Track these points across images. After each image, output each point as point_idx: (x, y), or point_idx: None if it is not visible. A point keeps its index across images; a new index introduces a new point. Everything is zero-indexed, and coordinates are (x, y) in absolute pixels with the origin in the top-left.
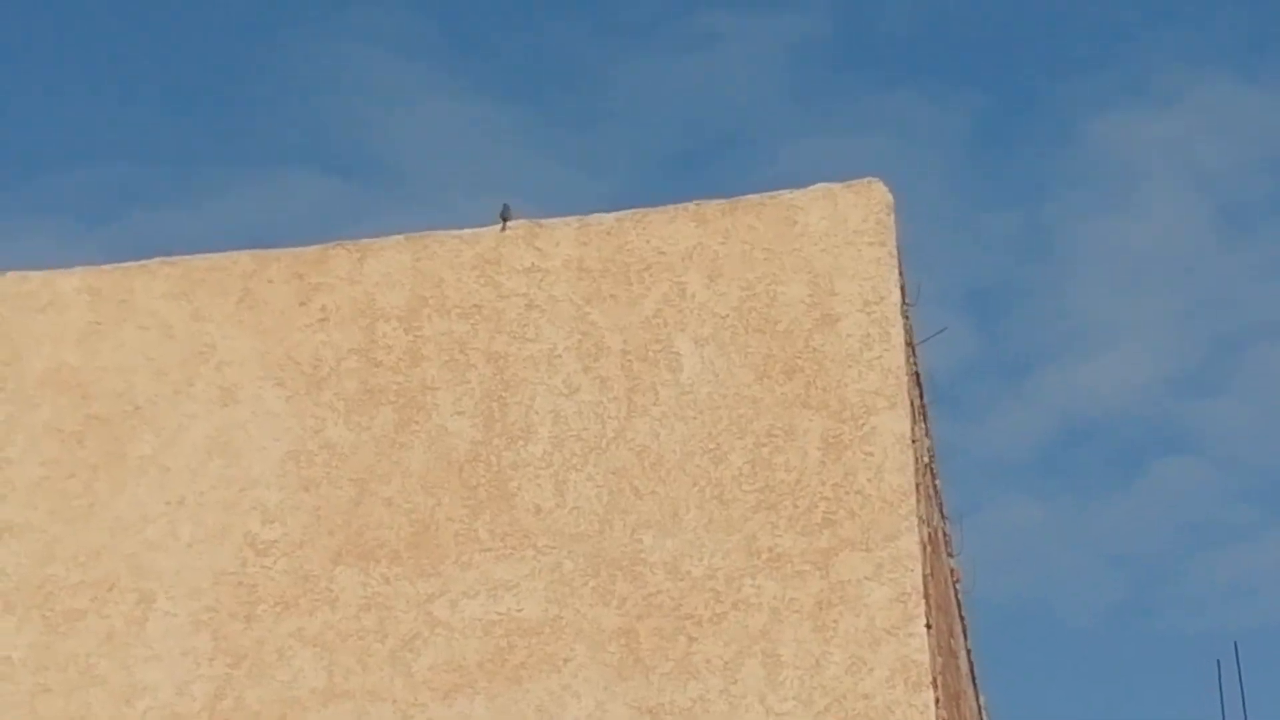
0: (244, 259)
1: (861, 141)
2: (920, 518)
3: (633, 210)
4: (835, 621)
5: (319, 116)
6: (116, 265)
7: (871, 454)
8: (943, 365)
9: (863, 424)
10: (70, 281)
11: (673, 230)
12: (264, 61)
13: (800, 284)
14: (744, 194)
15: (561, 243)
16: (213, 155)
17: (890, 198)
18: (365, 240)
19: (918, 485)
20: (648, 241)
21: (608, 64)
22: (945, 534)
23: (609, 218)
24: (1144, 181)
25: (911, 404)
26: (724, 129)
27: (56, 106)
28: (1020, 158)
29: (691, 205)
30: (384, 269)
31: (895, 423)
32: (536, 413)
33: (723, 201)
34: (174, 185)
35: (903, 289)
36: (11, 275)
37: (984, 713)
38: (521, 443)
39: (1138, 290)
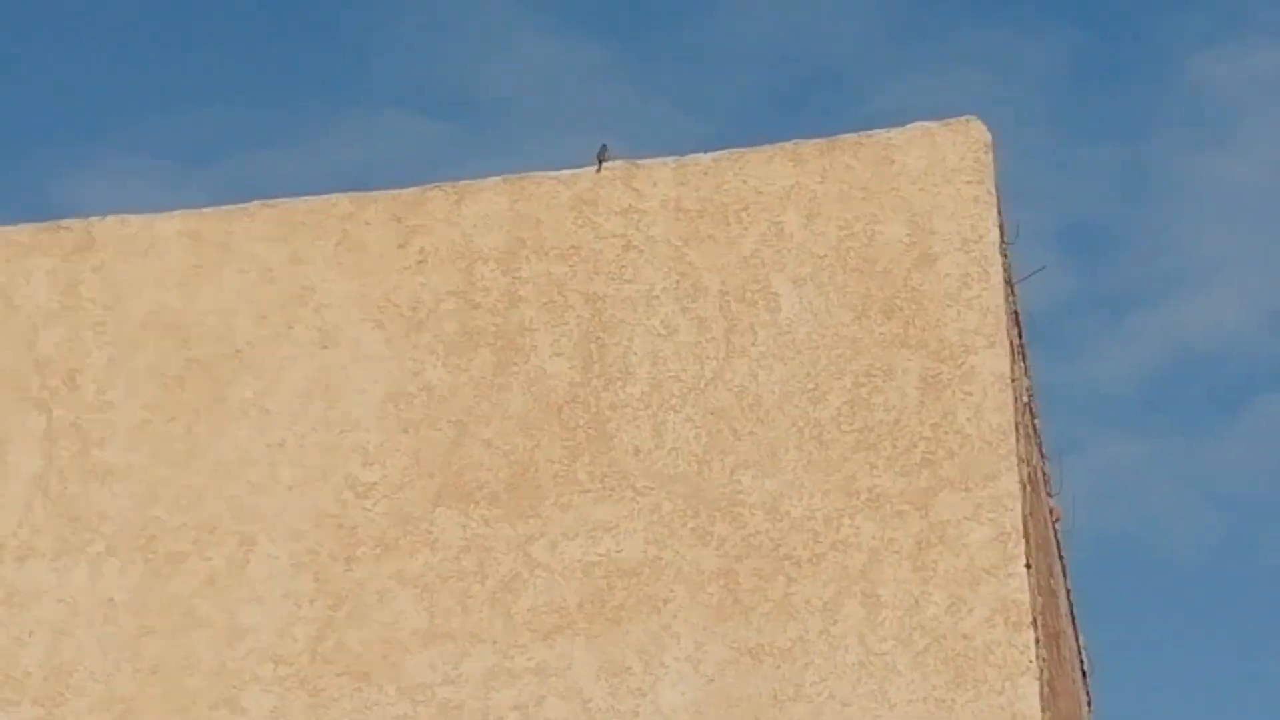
0: (342, 201)
1: (959, 77)
2: (1020, 457)
3: (730, 150)
4: (934, 562)
5: (415, 56)
6: (216, 208)
7: (970, 393)
8: (1042, 303)
9: (961, 363)
10: (170, 225)
11: (770, 170)
12: (359, 2)
13: (898, 223)
14: (841, 133)
15: (659, 183)
16: (311, 96)
17: (988, 136)
18: (463, 182)
19: (1017, 424)
20: (745, 181)
21: (702, 1)
22: (1045, 473)
23: (706, 158)
24: (1246, 116)
25: (1010, 343)
26: (821, 66)
27: (155, 49)
28: (1120, 93)
29: (789, 145)
30: (481, 211)
31: (994, 362)
32: (634, 354)
33: (820, 141)
34: (274, 127)
35: (1001, 227)
36: (111, 219)
37: (1084, 652)
38: (620, 384)
39: (1240, 226)
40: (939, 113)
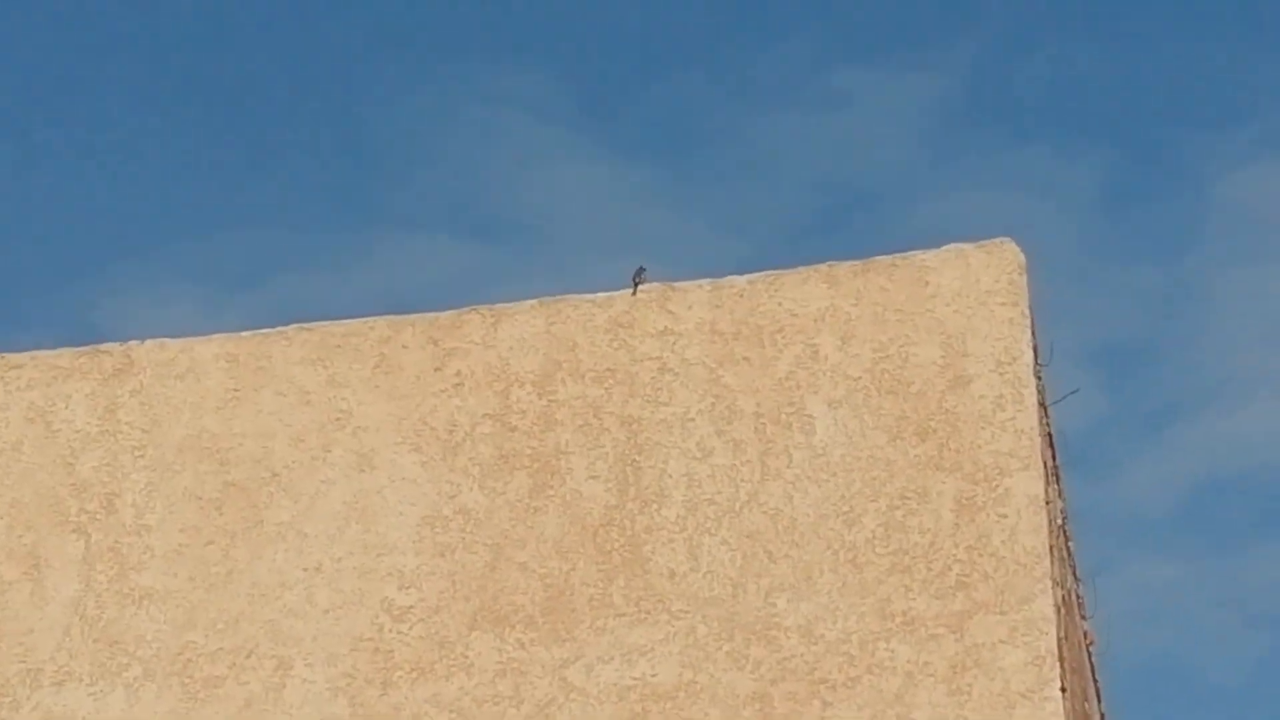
0: (380, 325)
1: (994, 197)
2: (1054, 580)
3: (765, 272)
4: (970, 685)
5: (455, 179)
6: (254, 332)
7: (1005, 516)
8: (1077, 423)
9: (996, 486)
10: (209, 348)
11: (805, 292)
12: (401, 125)
13: (933, 345)
14: (877, 253)
15: (694, 305)
16: (352, 219)
17: (1022, 258)
18: (499, 305)
19: (1051, 547)
20: (780, 304)
21: (741, 123)
22: (1079, 595)
23: (741, 280)
24: None
25: (1045, 465)
26: (857, 187)
27: (198, 173)
28: (1155, 211)
29: (824, 267)
30: (518, 333)
31: (1029, 484)
32: (670, 476)
33: (855, 263)
34: (314, 250)
35: (1035, 349)
36: (151, 343)
37: None
38: (655, 506)
39: (1275, 342)
40: (974, 233)
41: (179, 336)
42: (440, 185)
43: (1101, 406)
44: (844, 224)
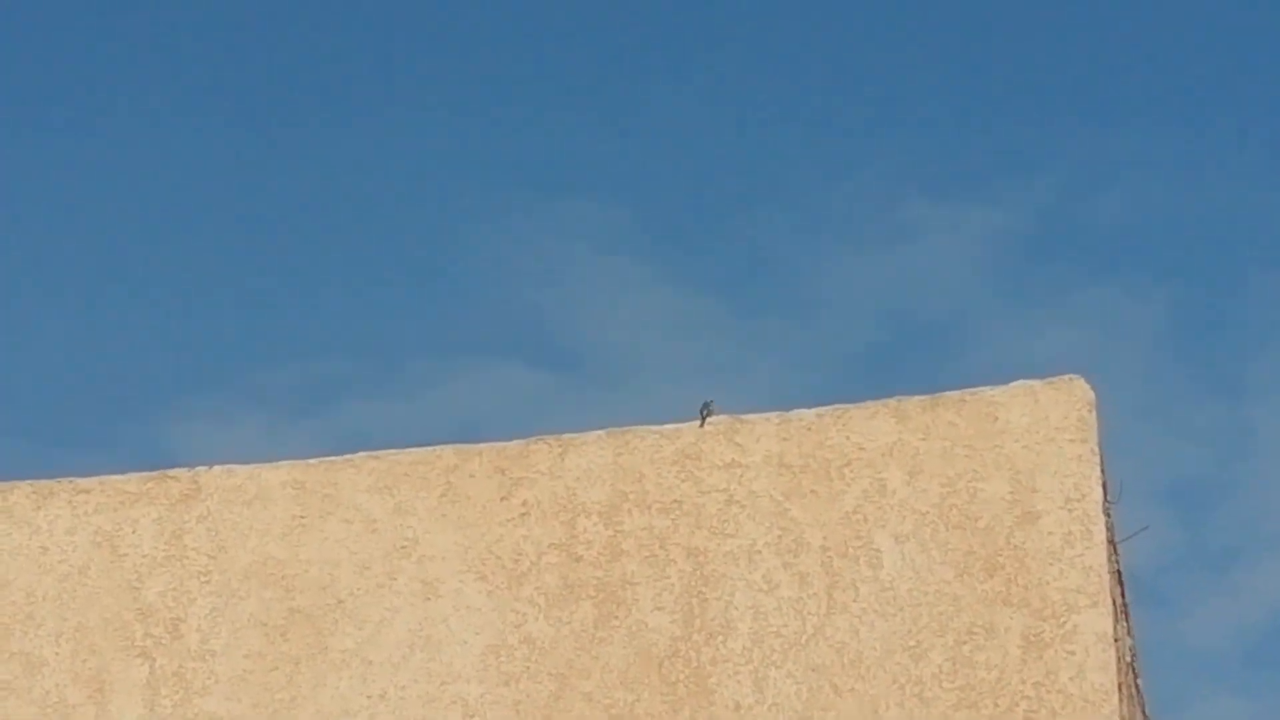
0: (447, 453)
1: (1063, 334)
2: (1123, 717)
3: (833, 406)
4: None
5: (525, 308)
6: (321, 459)
7: (1073, 653)
8: (1146, 559)
9: (1064, 622)
10: (276, 475)
11: (873, 426)
12: (474, 254)
13: (1001, 481)
14: (944, 388)
15: (762, 438)
16: (419, 348)
17: (1091, 395)
18: (566, 435)
19: (1120, 684)
20: (848, 437)
21: (811, 256)
22: None
23: (809, 413)
24: None
25: (1114, 602)
26: (924, 321)
27: (267, 301)
28: (1222, 349)
29: (892, 401)
30: (585, 464)
31: (1097, 621)
32: (736, 608)
33: (923, 398)
34: (381, 377)
35: (1104, 486)
36: (218, 469)
37: None
38: (721, 639)
39: None
40: (1043, 370)
41: (246, 463)
42: (512, 314)
43: (1171, 543)
44: (911, 359)
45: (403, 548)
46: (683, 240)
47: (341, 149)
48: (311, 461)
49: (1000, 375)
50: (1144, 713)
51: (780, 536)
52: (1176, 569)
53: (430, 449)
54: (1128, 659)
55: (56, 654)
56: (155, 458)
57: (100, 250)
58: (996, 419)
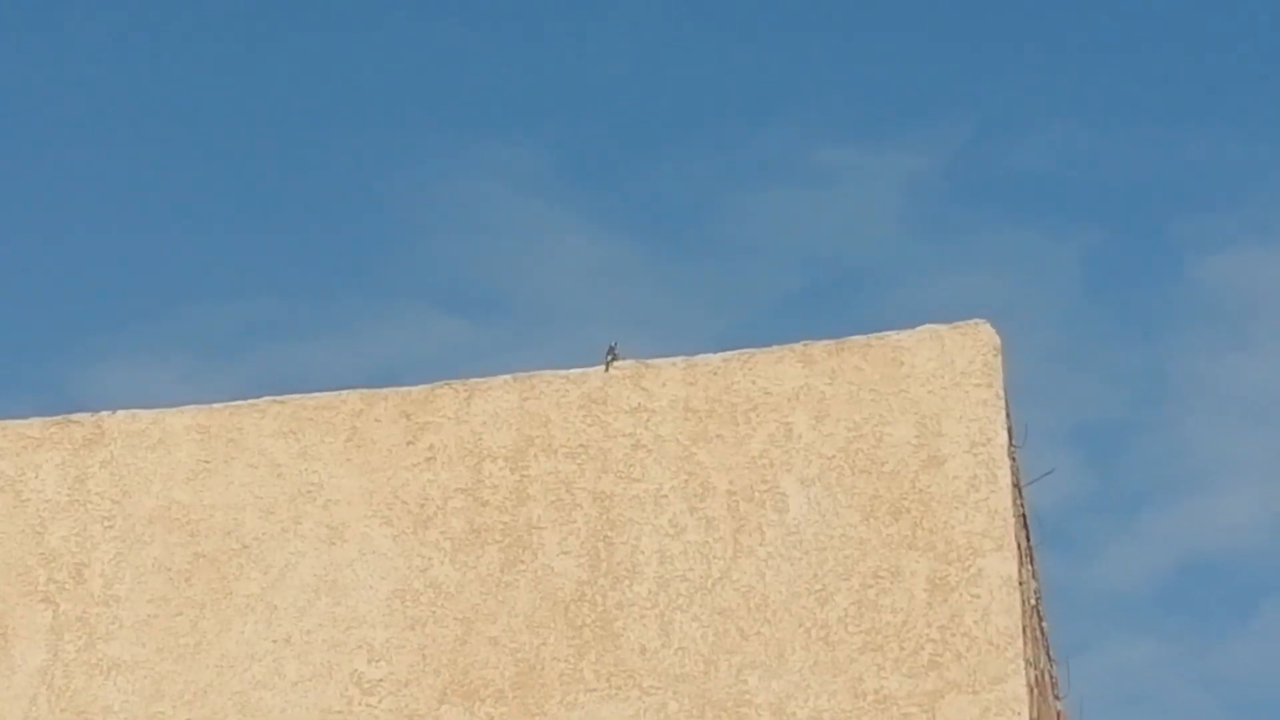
0: (352, 398)
1: (978, 278)
2: (1027, 660)
3: (739, 350)
4: None
5: (436, 252)
6: (226, 404)
7: (978, 596)
8: (1052, 503)
9: (969, 566)
10: (180, 420)
11: (779, 371)
12: (383, 196)
13: (907, 425)
14: (855, 332)
15: (668, 383)
16: (335, 292)
17: (998, 340)
18: (472, 380)
19: (1024, 627)
20: (754, 382)
21: (727, 200)
22: (1053, 676)
23: (715, 358)
24: (1263, 320)
25: (1019, 545)
26: (840, 265)
27: (177, 244)
28: (1135, 295)
29: (798, 346)
30: (491, 409)
31: (1002, 565)
32: (642, 553)
33: (829, 342)
34: (292, 322)
35: (1010, 430)
36: (122, 414)
37: None
38: (627, 583)
39: (1254, 428)
40: (957, 314)
41: (151, 407)
42: (421, 256)
43: (1079, 488)
44: (825, 302)
45: (308, 492)
46: (601, 184)
47: (259, 89)
48: (216, 406)
49: (916, 319)
50: (1049, 655)
51: (686, 481)
52: (1086, 512)
53: (335, 393)
54: (1032, 602)
55: None
56: (61, 401)
57: (9, 181)
58: (902, 364)
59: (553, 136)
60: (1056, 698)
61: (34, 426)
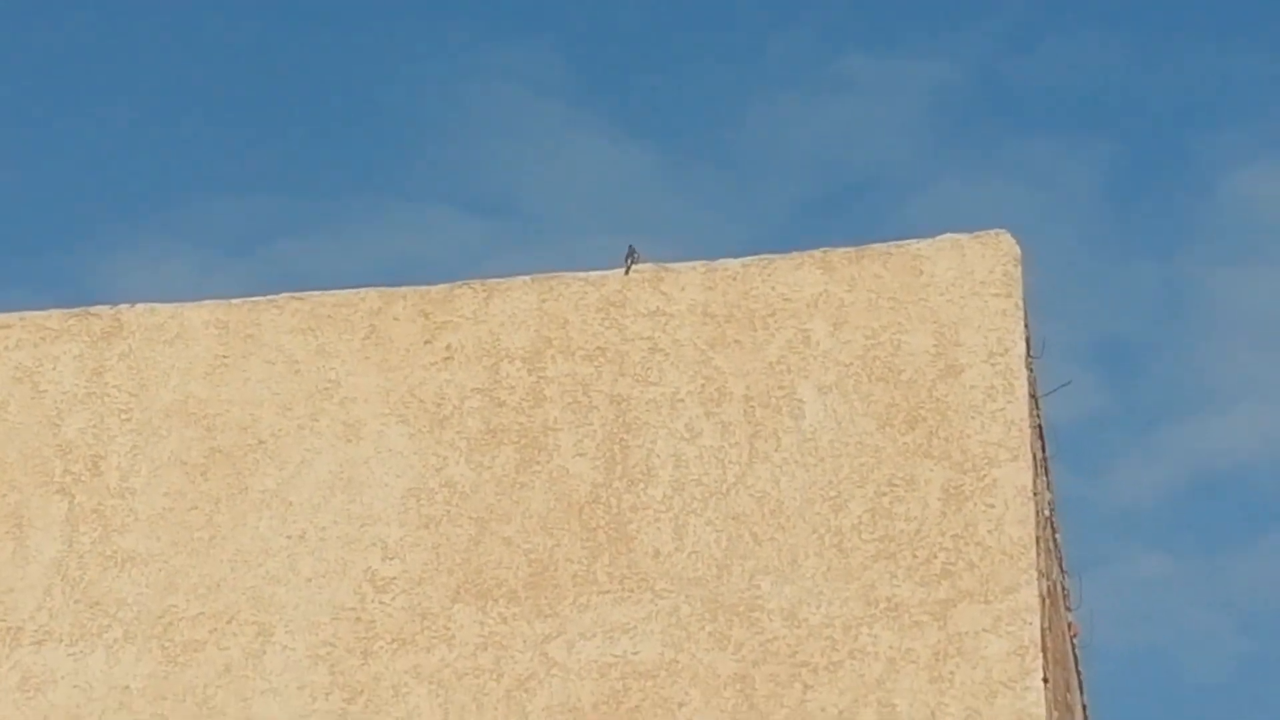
0: (371, 296)
1: (996, 188)
2: (1040, 571)
3: (759, 256)
4: (952, 673)
5: (455, 152)
6: (245, 299)
7: (992, 506)
8: (1068, 416)
9: (984, 476)
10: (198, 314)
11: (798, 277)
12: (403, 96)
13: (925, 334)
14: (873, 241)
15: (687, 287)
16: (352, 188)
17: (1018, 250)
18: (491, 280)
19: (1038, 538)
20: (773, 288)
21: (745, 106)
22: (1064, 587)
23: (735, 263)
24: None
25: (1034, 456)
26: (857, 173)
27: (199, 136)
28: (1155, 208)
29: (818, 253)
30: (509, 309)
31: (1017, 475)
32: (657, 456)
33: (849, 249)
34: (312, 217)
35: (1028, 341)
36: (140, 307)
37: None
38: (642, 486)
39: (1271, 347)
40: (973, 224)
41: (170, 301)
42: (440, 157)
43: (1095, 401)
44: (843, 209)
45: (325, 389)
46: (620, 87)
47: None
48: (235, 301)
49: (937, 228)
50: (1061, 567)
51: (703, 385)
52: (1100, 426)
53: (354, 291)
54: (1046, 514)
55: None
56: (76, 295)
57: (28, 76)
58: (922, 272)
59: (572, 40)
60: (1068, 609)
61: (52, 318)
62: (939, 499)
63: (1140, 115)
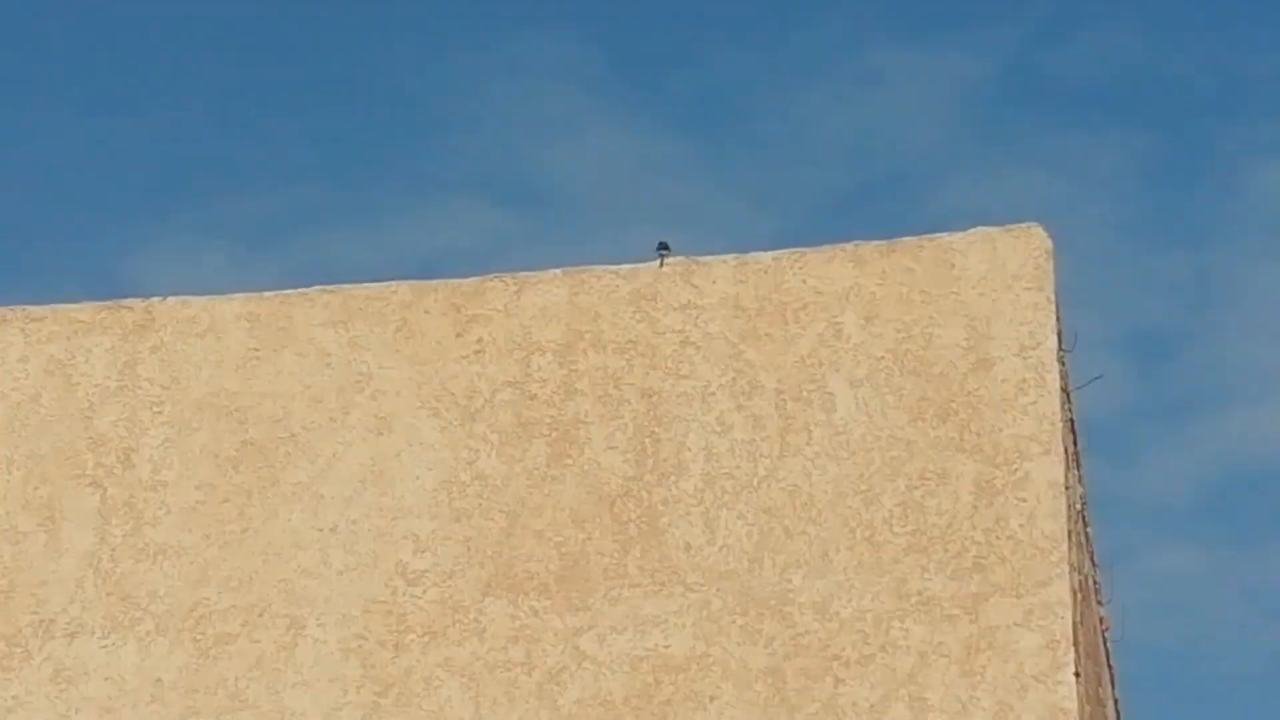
0: (402, 289)
1: (1028, 181)
2: (1071, 564)
3: (790, 249)
4: (983, 667)
5: (488, 145)
6: (276, 292)
7: (1024, 500)
8: (1100, 409)
9: (1016, 469)
10: (230, 307)
11: (830, 270)
12: (436, 88)
13: (956, 327)
14: (904, 234)
15: (718, 280)
16: (383, 181)
17: (1049, 243)
18: (522, 273)
19: (1069, 532)
20: (804, 281)
21: (776, 98)
22: (1096, 581)
23: (766, 256)
24: None
25: (1065, 450)
26: (888, 166)
27: (229, 129)
28: (1187, 200)
29: (849, 246)
30: (541, 302)
31: (1048, 469)
32: (689, 449)
33: (880, 243)
34: (344, 210)
35: (1059, 334)
36: (172, 300)
37: None
38: (673, 479)
39: None
40: (1005, 217)
41: (201, 294)
42: (470, 149)
43: (1126, 394)
44: (874, 202)
45: (356, 382)
46: (651, 79)
47: None
48: (266, 294)
49: (968, 222)
50: (1093, 560)
51: (734, 379)
52: (1132, 419)
53: (385, 284)
54: (1078, 507)
55: (8, 481)
56: (109, 288)
57: (60, 72)
58: (953, 265)
59: (604, 33)
60: (1099, 603)
61: (85, 311)
62: (970, 493)
63: (1172, 108)
